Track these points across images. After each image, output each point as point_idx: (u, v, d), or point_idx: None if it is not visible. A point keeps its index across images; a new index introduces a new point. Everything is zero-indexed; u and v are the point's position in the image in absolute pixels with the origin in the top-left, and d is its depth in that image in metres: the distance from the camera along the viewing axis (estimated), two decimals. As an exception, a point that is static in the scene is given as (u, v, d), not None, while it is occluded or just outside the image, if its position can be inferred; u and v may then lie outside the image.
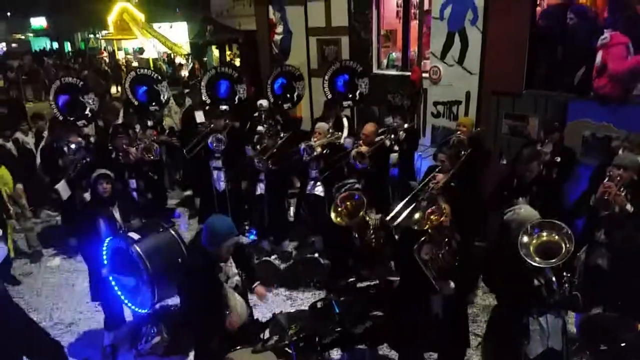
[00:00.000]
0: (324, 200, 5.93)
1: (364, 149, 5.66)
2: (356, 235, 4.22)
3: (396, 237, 4.10)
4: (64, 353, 4.29)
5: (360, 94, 7.58)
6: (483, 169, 5.99)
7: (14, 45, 31.72)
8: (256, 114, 7.50)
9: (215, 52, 15.54)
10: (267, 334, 3.42)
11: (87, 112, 7.18)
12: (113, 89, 18.64)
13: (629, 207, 3.95)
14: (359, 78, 7.54)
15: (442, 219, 3.41)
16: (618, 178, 4.01)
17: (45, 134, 7.72)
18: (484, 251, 4.79)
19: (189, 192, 8.52)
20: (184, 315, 3.65)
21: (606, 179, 4.06)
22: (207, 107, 7.86)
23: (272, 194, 6.35)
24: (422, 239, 3.48)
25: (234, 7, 12.90)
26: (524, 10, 6.04)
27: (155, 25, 21.97)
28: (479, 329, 4.74)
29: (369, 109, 8.10)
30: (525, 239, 3.21)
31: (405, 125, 6.36)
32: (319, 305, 3.90)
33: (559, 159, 5.21)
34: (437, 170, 4.84)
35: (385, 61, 8.32)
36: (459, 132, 5.88)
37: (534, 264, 3.14)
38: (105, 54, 25.99)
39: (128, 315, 4.92)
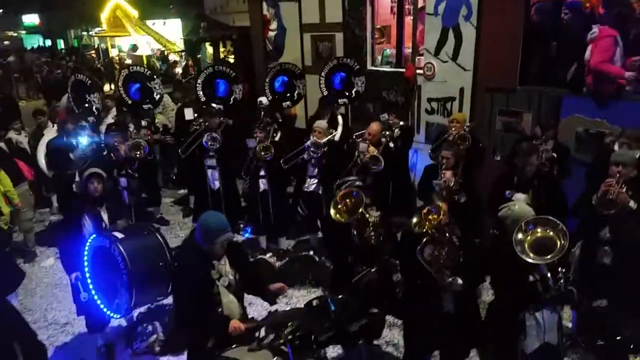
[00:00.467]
0: (322, 197, 5.91)
1: (372, 149, 5.64)
2: (355, 233, 4.22)
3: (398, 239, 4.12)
4: (45, 355, 4.26)
5: (357, 92, 7.52)
6: (477, 165, 6.00)
7: (5, 42, 31.42)
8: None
9: (209, 49, 15.42)
10: (262, 332, 3.41)
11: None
12: (106, 87, 18.51)
13: (632, 204, 3.86)
14: (355, 76, 7.48)
15: (440, 217, 3.42)
16: (618, 175, 3.94)
17: (47, 130, 7.69)
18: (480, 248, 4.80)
19: (183, 191, 8.48)
20: (177, 313, 3.63)
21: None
22: (204, 106, 7.76)
23: (274, 189, 6.32)
24: (424, 240, 3.49)
25: (227, 4, 12.82)
26: (518, 6, 6.04)
27: (149, 22, 21.82)
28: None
29: (363, 106, 8.07)
30: (520, 235, 3.22)
31: (401, 123, 6.35)
32: (314, 303, 3.88)
33: (555, 155, 5.19)
34: (443, 168, 4.84)
35: (379, 58, 8.29)
36: (453, 128, 5.87)
37: (529, 260, 3.15)
38: (92, 52, 25.67)
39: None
